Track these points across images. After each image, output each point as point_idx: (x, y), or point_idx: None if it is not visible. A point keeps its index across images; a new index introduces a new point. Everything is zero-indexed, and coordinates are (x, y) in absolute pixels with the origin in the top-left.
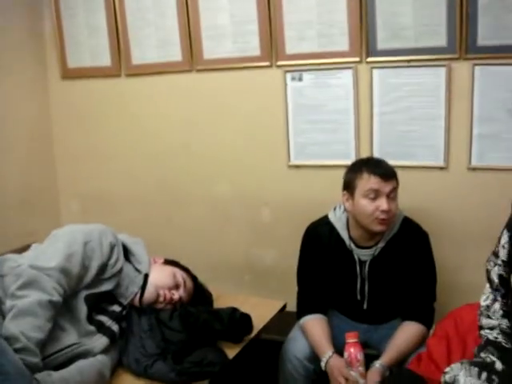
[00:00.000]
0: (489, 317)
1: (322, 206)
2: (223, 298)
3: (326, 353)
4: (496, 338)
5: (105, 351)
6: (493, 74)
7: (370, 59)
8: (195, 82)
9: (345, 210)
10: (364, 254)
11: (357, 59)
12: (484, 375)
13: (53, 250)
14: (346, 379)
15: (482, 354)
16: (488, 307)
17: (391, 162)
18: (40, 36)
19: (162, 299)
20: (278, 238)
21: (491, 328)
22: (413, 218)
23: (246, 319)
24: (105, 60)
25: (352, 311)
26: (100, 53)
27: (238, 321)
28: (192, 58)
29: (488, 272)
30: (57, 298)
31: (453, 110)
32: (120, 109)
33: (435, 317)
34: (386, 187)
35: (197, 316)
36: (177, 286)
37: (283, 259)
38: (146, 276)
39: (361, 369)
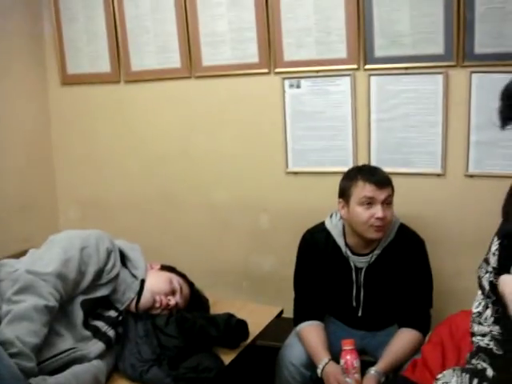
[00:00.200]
0: (480, 323)
1: (320, 212)
2: (220, 304)
3: (323, 359)
4: (487, 344)
5: (100, 356)
6: (490, 82)
7: (367, 66)
8: (194, 88)
9: (341, 217)
10: (360, 261)
11: (355, 66)
12: (475, 382)
13: (49, 256)
14: None
15: (474, 361)
16: (480, 314)
17: (389, 169)
18: (40, 42)
19: (158, 305)
20: (276, 245)
21: (483, 335)
22: (410, 225)
23: (242, 325)
24: (104, 66)
25: (348, 318)
26: (99, 59)
27: (234, 327)
28: (191, 65)
29: (480, 279)
30: (53, 303)
31: (450, 117)
32: (119, 115)
33: (432, 323)
34: (381, 194)
35: (193, 322)
36: (173, 292)
37: (281, 266)
38: (143, 282)
39: (356, 376)
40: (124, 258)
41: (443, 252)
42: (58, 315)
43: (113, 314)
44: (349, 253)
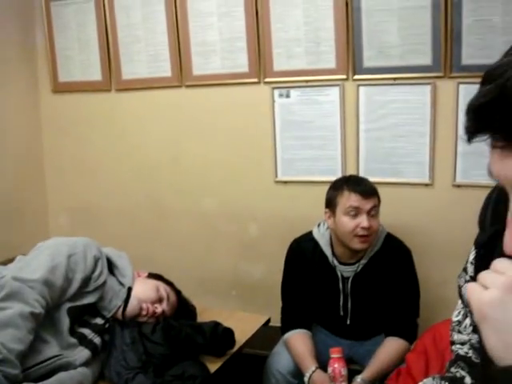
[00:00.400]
0: (460, 332)
1: (308, 221)
2: (208, 312)
3: (310, 368)
4: (466, 352)
5: (86, 364)
6: None
7: (356, 77)
8: (184, 97)
9: (328, 227)
10: (347, 271)
11: (344, 77)
12: None
13: (37, 262)
14: None
15: (453, 369)
16: (459, 322)
17: (377, 179)
18: (31, 50)
19: (144, 313)
20: (265, 253)
21: (462, 343)
22: (398, 235)
23: (228, 333)
24: (95, 75)
25: (335, 327)
26: (91, 67)
27: (221, 335)
28: (181, 74)
29: (459, 288)
30: (39, 309)
31: (438, 127)
32: (110, 123)
33: (418, 332)
34: (367, 204)
35: (179, 329)
36: (160, 300)
37: (270, 274)
38: (130, 289)
39: None
40: (111, 266)
41: (430, 261)
42: (44, 322)
43: (99, 321)
44: (336, 262)
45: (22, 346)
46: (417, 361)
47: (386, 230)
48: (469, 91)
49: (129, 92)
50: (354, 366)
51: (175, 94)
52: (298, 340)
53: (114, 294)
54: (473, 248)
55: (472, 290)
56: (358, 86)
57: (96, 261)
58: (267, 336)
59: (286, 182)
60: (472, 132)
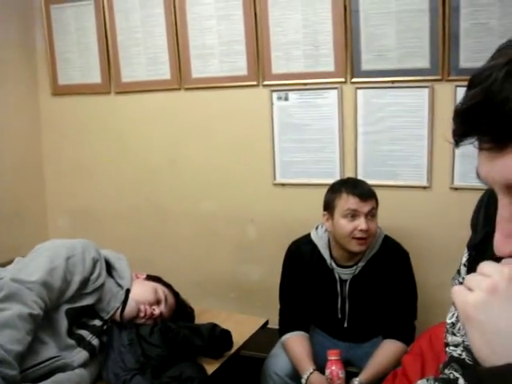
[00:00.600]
0: (454, 334)
1: (307, 224)
2: (206, 314)
3: (307, 369)
4: (460, 354)
5: (84, 365)
6: None
7: (354, 80)
8: (183, 100)
9: (326, 229)
10: (345, 273)
11: (342, 80)
12: None
13: (35, 264)
14: None
15: (446, 371)
16: (453, 324)
17: (375, 182)
18: (31, 53)
19: (142, 314)
20: (263, 256)
21: (456, 345)
22: (396, 237)
23: (226, 335)
24: (95, 77)
25: (333, 329)
26: (90, 70)
27: (218, 337)
28: (180, 77)
29: None
30: (37, 311)
31: (435, 130)
32: (109, 126)
33: (416, 335)
34: (365, 207)
35: (177, 331)
36: (158, 302)
37: (269, 276)
38: (128, 291)
39: None
40: (110, 268)
41: (428, 264)
42: (42, 323)
43: (97, 323)
44: (333, 265)
45: (21, 347)
46: (413, 363)
47: (384, 233)
48: None
49: (128, 95)
50: (351, 368)
51: (174, 97)
52: (296, 342)
53: (112, 296)
54: (466, 250)
55: (457, 292)
56: (356, 88)
57: (94, 263)
58: (265, 338)
59: (284, 185)
60: (459, 135)
